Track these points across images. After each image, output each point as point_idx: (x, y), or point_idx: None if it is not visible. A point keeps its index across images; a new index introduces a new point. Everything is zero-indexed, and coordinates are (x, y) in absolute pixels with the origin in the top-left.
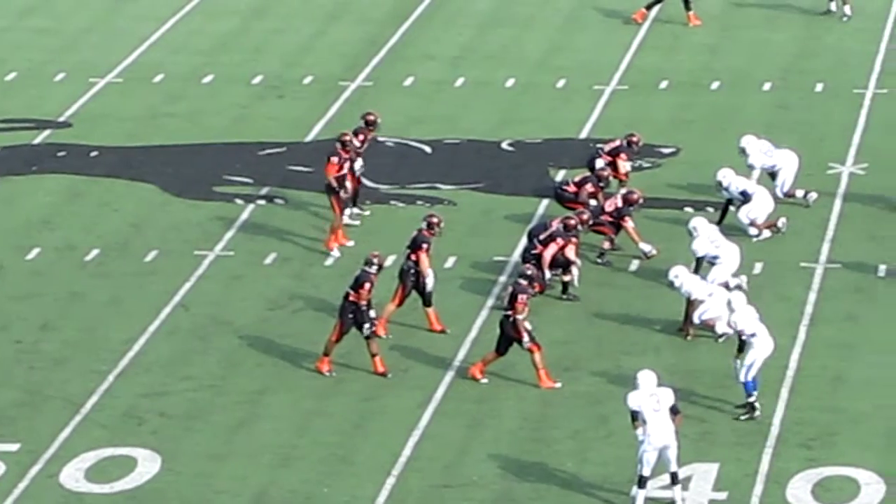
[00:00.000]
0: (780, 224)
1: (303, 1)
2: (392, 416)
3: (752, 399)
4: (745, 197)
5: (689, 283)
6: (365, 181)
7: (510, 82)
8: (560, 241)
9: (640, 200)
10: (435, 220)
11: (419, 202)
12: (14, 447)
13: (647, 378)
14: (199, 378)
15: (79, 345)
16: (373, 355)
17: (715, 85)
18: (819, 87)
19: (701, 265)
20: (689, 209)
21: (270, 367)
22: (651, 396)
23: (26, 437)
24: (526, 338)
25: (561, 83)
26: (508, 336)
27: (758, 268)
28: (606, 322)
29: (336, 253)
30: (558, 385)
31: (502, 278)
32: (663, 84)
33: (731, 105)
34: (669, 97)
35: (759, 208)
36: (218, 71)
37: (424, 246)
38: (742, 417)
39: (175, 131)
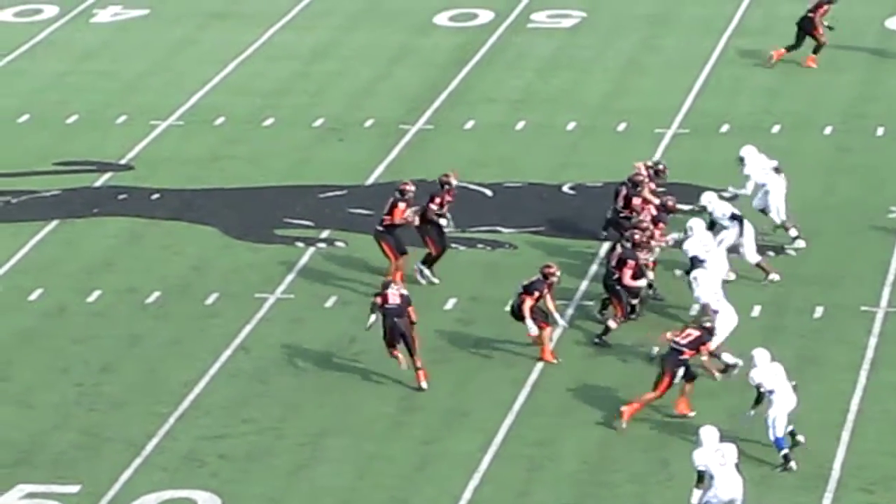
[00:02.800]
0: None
1: (364, 44)
2: (452, 459)
3: (783, 452)
4: (736, 220)
5: (705, 289)
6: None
7: (571, 125)
8: (631, 262)
9: (676, 207)
10: (550, 270)
11: (479, 245)
12: (75, 489)
13: (709, 434)
14: (260, 421)
15: (139, 387)
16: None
17: (776, 128)
18: (880, 130)
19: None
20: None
21: (331, 410)
22: (716, 452)
23: (87, 480)
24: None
25: (622, 126)
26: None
27: (819, 312)
28: None
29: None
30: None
31: (563, 323)
32: (724, 128)
33: (792, 148)
34: (730, 140)
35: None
36: (279, 114)
37: (535, 293)
38: (780, 471)
39: (236, 174)
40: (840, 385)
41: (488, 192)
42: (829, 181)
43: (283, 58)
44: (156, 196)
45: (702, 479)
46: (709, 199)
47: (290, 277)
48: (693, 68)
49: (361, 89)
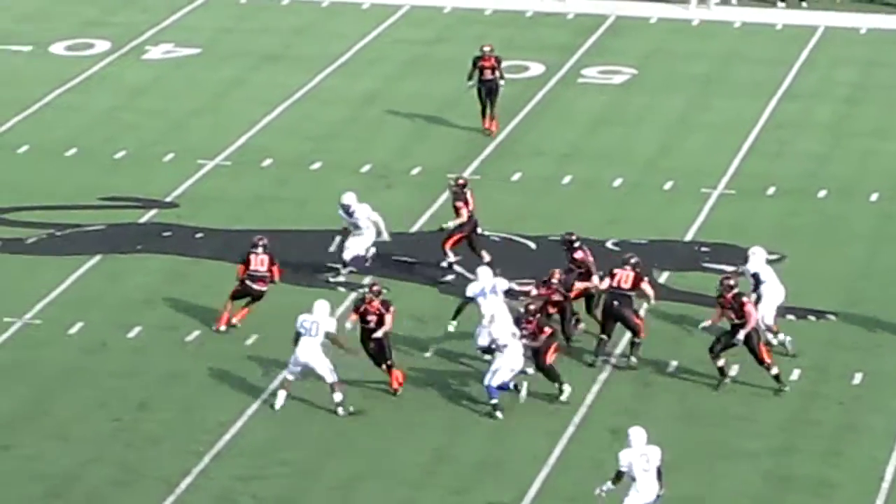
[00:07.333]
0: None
1: (414, 92)
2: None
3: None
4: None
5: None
6: (463, 272)
7: (618, 182)
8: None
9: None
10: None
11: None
12: None
13: (638, 435)
14: (293, 463)
15: (176, 424)
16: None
17: (822, 193)
18: None
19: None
20: (791, 317)
21: (366, 455)
22: (642, 456)
23: None
24: None
25: (668, 185)
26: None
27: (857, 378)
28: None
29: None
30: None
31: (603, 375)
32: (770, 190)
33: (838, 214)
34: (776, 203)
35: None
36: (326, 158)
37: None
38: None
39: (280, 216)
40: (875, 453)
41: (532, 245)
42: (873, 248)
43: (332, 102)
44: (199, 235)
45: (619, 477)
46: (754, 252)
47: None
48: (742, 129)
49: (410, 137)
